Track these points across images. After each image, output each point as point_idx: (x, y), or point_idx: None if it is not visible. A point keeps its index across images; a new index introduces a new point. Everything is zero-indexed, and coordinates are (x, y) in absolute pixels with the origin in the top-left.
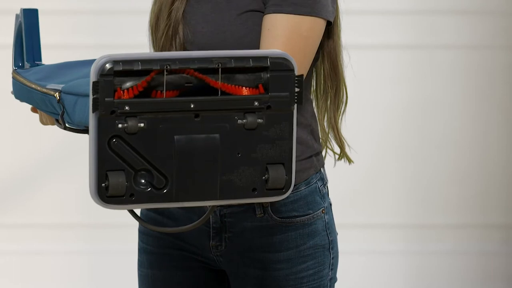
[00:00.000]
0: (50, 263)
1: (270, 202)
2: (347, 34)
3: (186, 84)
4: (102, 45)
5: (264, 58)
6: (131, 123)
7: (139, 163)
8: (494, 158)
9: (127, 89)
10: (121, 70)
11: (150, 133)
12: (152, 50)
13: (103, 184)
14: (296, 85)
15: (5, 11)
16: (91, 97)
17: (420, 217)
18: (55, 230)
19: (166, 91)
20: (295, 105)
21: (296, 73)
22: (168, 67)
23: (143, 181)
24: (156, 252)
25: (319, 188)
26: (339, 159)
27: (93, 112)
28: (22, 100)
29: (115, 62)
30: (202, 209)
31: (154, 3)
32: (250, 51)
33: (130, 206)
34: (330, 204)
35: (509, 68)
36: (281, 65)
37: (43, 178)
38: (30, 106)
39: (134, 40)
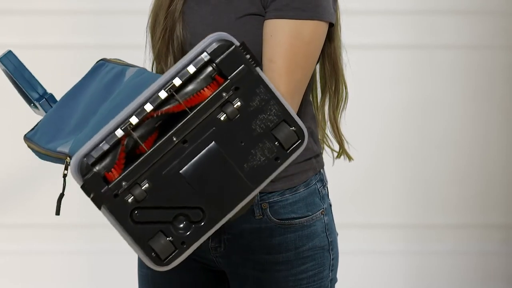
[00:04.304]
0: (50, 263)
1: (268, 204)
2: (347, 34)
3: (156, 125)
4: (102, 45)
5: (201, 54)
6: (136, 192)
7: (167, 215)
8: (494, 158)
9: (114, 167)
10: (95, 159)
11: (158, 186)
12: (150, 53)
13: (153, 254)
14: (244, 53)
15: (5, 11)
16: (89, 198)
17: (420, 217)
18: (55, 230)
19: (145, 142)
20: (257, 68)
21: (237, 42)
22: (131, 126)
23: (182, 225)
24: None
25: (318, 189)
26: (338, 156)
27: (100, 209)
28: (47, 161)
29: (86, 156)
30: None
31: (152, 6)
32: (186, 57)
33: (188, 252)
34: (330, 205)
35: (509, 68)
36: (220, 49)
37: (43, 178)
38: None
39: (134, 40)
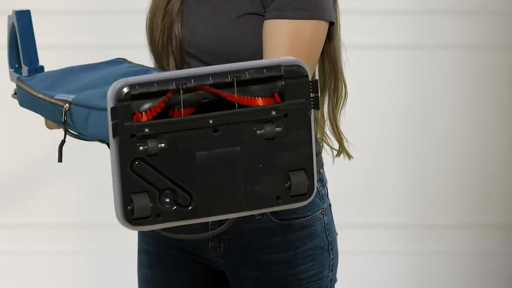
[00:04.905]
0: (50, 263)
1: None
2: (347, 34)
3: (202, 101)
4: (102, 45)
5: (277, 66)
6: (151, 144)
7: (162, 183)
8: (494, 158)
9: (145, 111)
10: (137, 93)
11: (171, 152)
12: (149, 52)
13: (128, 207)
14: (311, 90)
15: (5, 11)
16: (110, 122)
17: (420, 217)
18: (55, 230)
19: (183, 109)
20: (312, 110)
21: (310, 78)
22: (184, 85)
23: (168, 200)
24: (156, 253)
25: (318, 189)
26: (337, 155)
27: (113, 137)
28: (27, 108)
29: (131, 86)
30: None
31: (149, 7)
32: (263, 61)
33: (157, 226)
34: (330, 205)
35: (509, 68)
36: (295, 72)
37: (43, 178)
38: None
39: (134, 40)
